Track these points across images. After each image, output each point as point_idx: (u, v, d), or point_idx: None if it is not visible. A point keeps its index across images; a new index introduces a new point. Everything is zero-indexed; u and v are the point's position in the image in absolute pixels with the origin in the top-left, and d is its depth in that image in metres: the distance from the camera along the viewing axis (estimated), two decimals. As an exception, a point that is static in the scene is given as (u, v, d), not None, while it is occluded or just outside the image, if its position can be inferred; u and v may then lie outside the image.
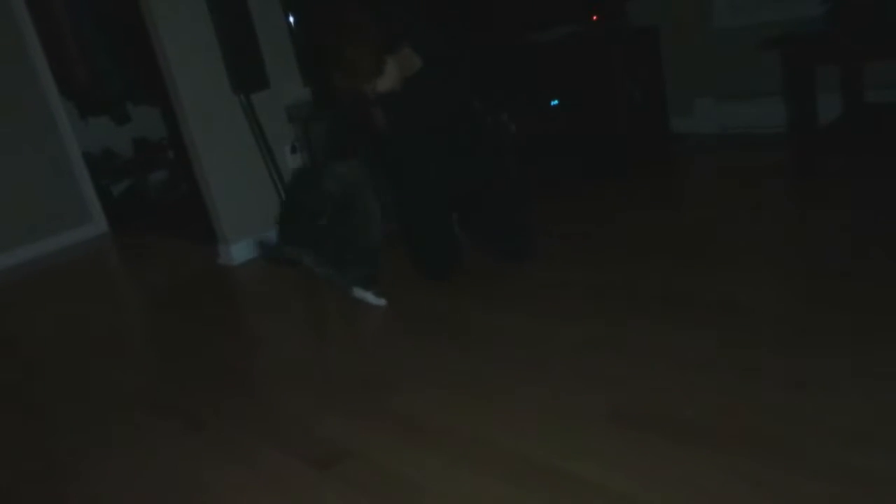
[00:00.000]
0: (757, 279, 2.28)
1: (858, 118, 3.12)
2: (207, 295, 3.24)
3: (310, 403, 2.12)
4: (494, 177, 2.73)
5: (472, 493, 1.59)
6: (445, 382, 2.06)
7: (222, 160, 3.32)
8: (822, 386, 1.69)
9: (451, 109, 2.63)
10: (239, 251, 3.42)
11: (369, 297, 2.65)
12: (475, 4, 3.66)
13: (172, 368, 2.61)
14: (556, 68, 3.61)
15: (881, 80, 3.11)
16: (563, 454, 1.64)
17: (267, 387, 2.32)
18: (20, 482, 2.03)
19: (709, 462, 1.52)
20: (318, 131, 3.43)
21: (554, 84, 3.65)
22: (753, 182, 3.13)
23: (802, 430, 1.56)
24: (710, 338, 1.98)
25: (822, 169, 2.98)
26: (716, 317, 2.09)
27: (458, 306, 2.53)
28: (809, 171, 2.99)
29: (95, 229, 4.59)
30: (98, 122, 4.88)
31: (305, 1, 3.42)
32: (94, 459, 2.05)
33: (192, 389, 2.35)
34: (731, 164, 3.45)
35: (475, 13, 3.63)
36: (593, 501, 1.48)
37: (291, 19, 3.44)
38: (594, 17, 3.62)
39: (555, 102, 3.65)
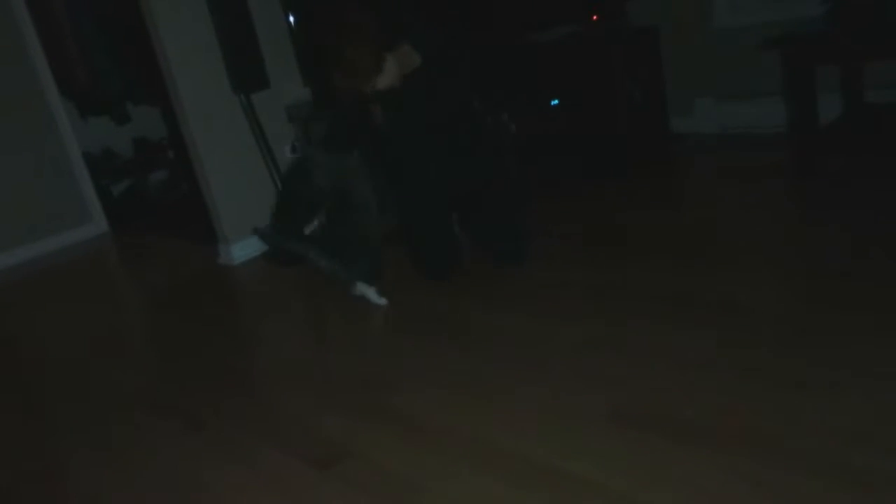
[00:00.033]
0: (757, 279, 2.28)
1: (858, 118, 3.12)
2: (207, 295, 3.24)
3: (310, 403, 2.12)
4: (494, 177, 2.72)
5: (472, 493, 1.59)
6: (445, 382, 2.06)
7: (222, 160, 3.32)
8: (822, 386, 1.69)
9: (451, 108, 2.63)
10: (239, 251, 3.42)
11: (371, 294, 2.64)
12: (475, 4, 3.66)
13: (172, 368, 2.61)
14: (556, 68, 3.60)
15: (881, 80, 3.11)
16: (563, 454, 1.64)
17: (267, 387, 2.32)
18: (20, 482, 2.03)
19: (709, 462, 1.52)
20: (318, 131, 3.43)
21: (554, 84, 3.65)
22: (753, 182, 3.13)
23: (802, 430, 1.56)
24: (710, 338, 1.98)
25: (822, 169, 2.98)
26: (716, 317, 2.09)
27: (458, 306, 2.53)
28: (809, 171, 2.99)
29: (95, 229, 4.59)
30: (98, 121, 4.88)
31: (305, 1, 3.42)
32: (95, 459, 2.05)
33: (192, 389, 2.35)
34: (731, 164, 3.44)
35: (475, 13, 3.63)
36: (593, 501, 1.48)
37: (291, 19, 3.44)
38: (594, 17, 3.62)
39: (555, 102, 3.65)
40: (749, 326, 2.00)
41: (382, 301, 2.64)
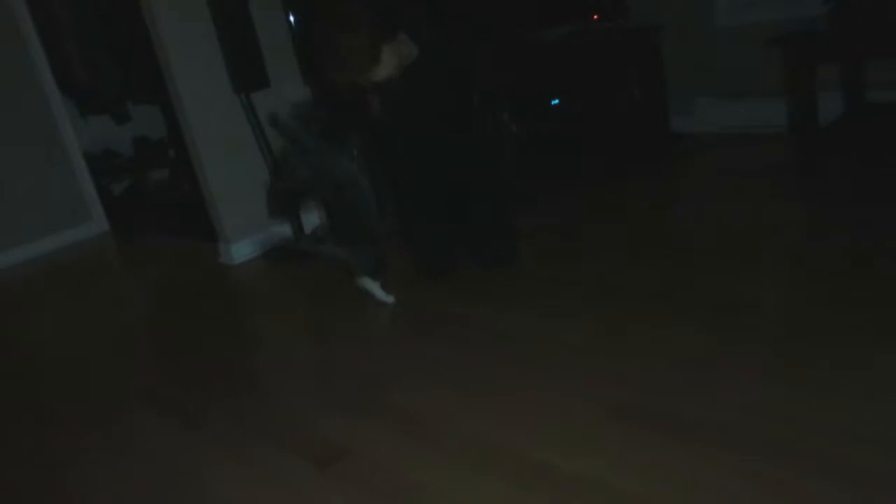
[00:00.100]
0: (757, 279, 2.28)
1: (859, 118, 3.12)
2: (207, 294, 3.24)
3: (309, 402, 2.12)
4: (487, 173, 2.71)
5: (472, 492, 1.59)
6: (445, 382, 2.06)
7: (223, 159, 3.32)
8: (822, 386, 1.69)
9: (449, 101, 2.62)
10: (239, 250, 3.42)
11: (377, 290, 2.62)
12: (475, 4, 3.66)
13: (173, 367, 2.61)
14: (557, 68, 3.61)
15: (882, 80, 3.11)
16: (563, 453, 1.64)
17: (266, 385, 2.32)
18: (20, 482, 2.03)
19: (709, 461, 1.51)
20: (318, 131, 3.42)
21: (554, 83, 3.65)
22: (753, 182, 3.13)
23: (803, 429, 1.56)
24: (710, 337, 1.98)
25: (822, 169, 2.98)
26: (716, 316, 2.09)
27: (459, 305, 2.53)
28: (809, 170, 2.99)
29: (96, 228, 4.59)
30: (98, 120, 4.89)
31: (305, 1, 3.42)
32: (95, 459, 2.05)
33: (191, 388, 2.35)
34: (731, 163, 3.44)
35: (475, 13, 3.63)
36: (593, 500, 1.48)
37: (291, 19, 3.44)
38: (595, 17, 3.62)
39: (555, 102, 3.65)
40: (749, 326, 2.00)
41: (390, 299, 2.61)
